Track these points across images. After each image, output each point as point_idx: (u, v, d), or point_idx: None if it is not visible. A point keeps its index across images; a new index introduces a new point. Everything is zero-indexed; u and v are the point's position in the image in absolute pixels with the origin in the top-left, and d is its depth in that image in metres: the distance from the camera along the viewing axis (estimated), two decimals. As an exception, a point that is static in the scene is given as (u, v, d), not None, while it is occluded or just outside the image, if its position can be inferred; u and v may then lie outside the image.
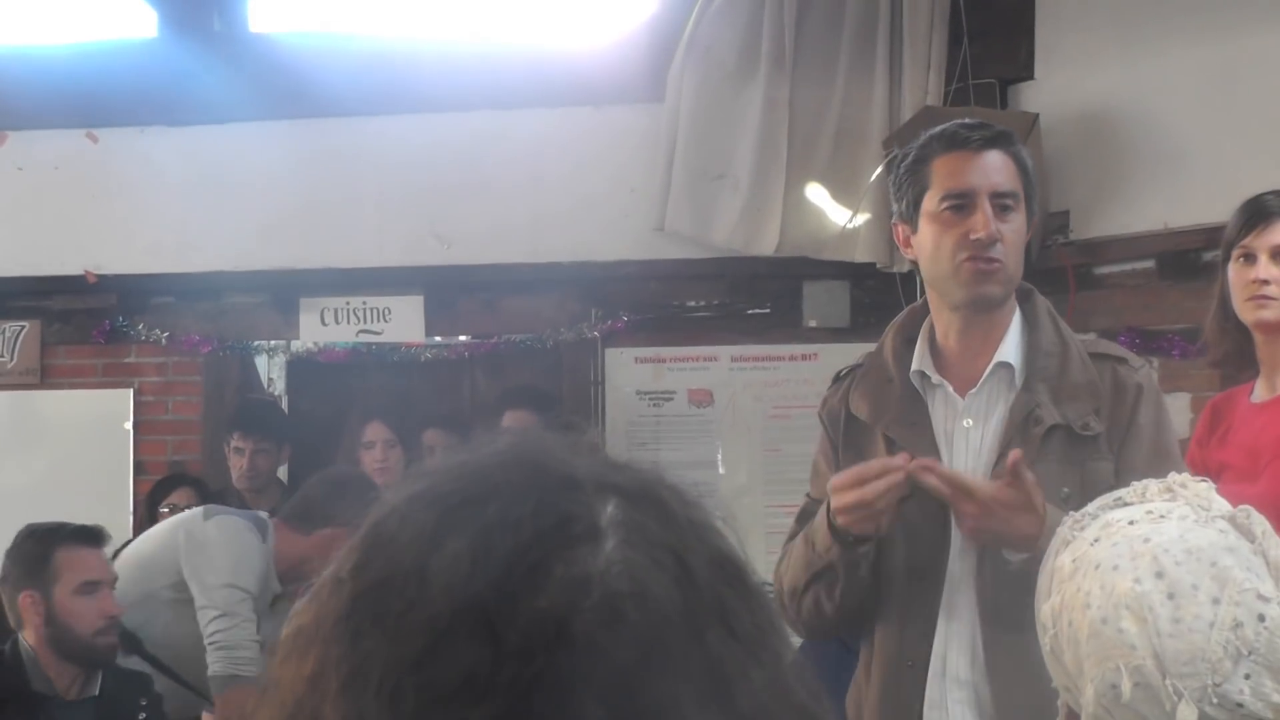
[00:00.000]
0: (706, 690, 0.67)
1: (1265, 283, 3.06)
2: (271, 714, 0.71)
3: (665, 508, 0.74)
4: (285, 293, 5.82)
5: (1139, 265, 5.05)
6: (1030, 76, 5.35)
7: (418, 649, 0.66)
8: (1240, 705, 1.39)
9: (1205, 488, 1.57)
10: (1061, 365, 2.51)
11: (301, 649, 0.71)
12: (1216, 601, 1.42)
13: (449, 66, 5.68)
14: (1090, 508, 1.58)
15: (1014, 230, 2.49)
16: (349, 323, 5.81)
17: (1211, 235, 4.10)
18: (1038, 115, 5.01)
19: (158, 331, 5.84)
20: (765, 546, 3.80)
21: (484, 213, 5.68)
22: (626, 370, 5.71)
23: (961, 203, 2.47)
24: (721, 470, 5.63)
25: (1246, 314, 3.11)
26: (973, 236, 2.45)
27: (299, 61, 5.72)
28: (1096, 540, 1.52)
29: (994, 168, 2.49)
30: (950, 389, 2.54)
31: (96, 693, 3.71)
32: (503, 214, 5.67)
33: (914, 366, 2.57)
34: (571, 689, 0.65)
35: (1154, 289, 5.00)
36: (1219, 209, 3.52)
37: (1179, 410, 4.38)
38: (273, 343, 5.90)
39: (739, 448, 5.64)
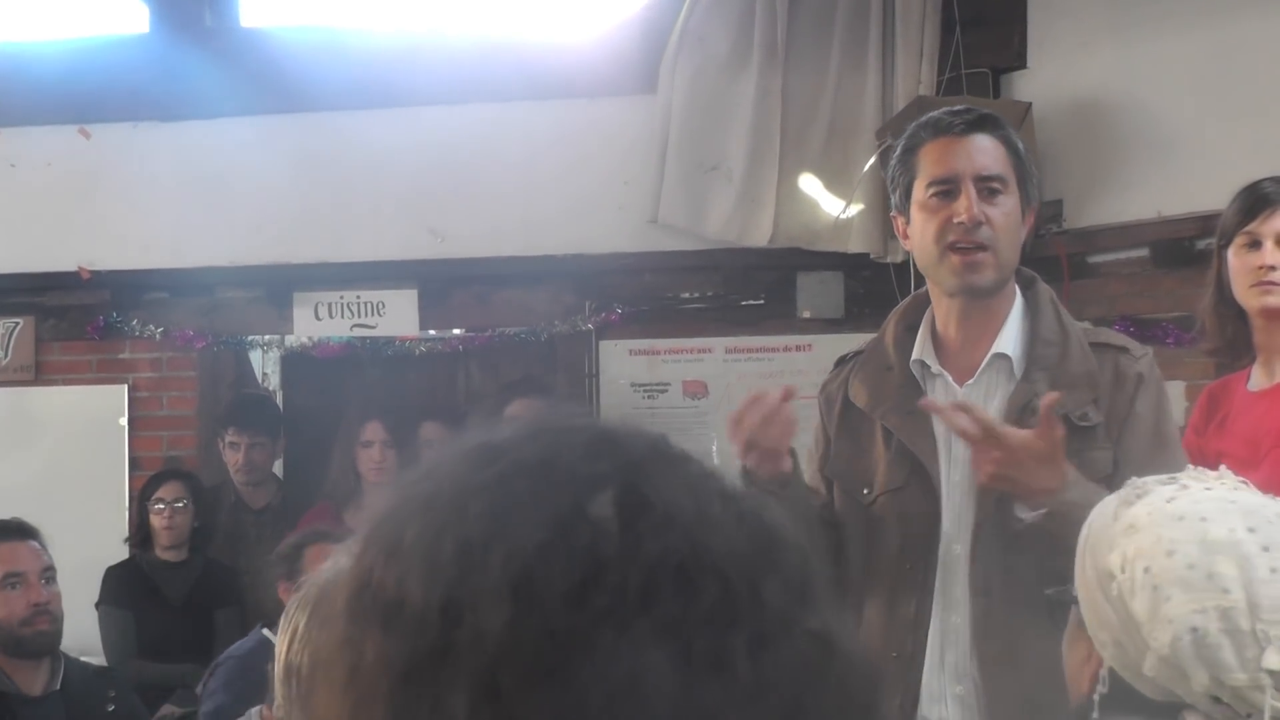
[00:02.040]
0: (772, 632, 0.71)
1: (1272, 268, 3.04)
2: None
3: (695, 464, 0.80)
4: (279, 287, 5.81)
5: (1133, 253, 5.05)
6: (1023, 65, 5.35)
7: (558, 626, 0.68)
8: None
9: (1238, 482, 1.63)
10: (1061, 355, 2.49)
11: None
12: None
13: (441, 60, 5.68)
14: (1147, 481, 1.62)
15: (1004, 213, 2.46)
16: (343, 317, 5.80)
17: (1205, 223, 4.10)
18: (1030, 104, 5.01)
19: (152, 327, 5.82)
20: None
21: (477, 206, 5.67)
22: (621, 362, 5.71)
23: (947, 188, 2.46)
24: (717, 462, 5.59)
25: (1251, 299, 3.08)
26: (955, 220, 2.43)
27: (291, 56, 5.71)
28: (1172, 499, 1.55)
29: (979, 150, 2.47)
30: (949, 378, 2.53)
31: (59, 687, 3.72)
32: (496, 207, 5.66)
33: (915, 355, 2.56)
34: (679, 636, 0.68)
35: (1148, 277, 5.00)
36: (1212, 197, 3.52)
37: (1173, 398, 4.36)
38: (267, 337, 5.90)
39: (734, 439, 5.63)
